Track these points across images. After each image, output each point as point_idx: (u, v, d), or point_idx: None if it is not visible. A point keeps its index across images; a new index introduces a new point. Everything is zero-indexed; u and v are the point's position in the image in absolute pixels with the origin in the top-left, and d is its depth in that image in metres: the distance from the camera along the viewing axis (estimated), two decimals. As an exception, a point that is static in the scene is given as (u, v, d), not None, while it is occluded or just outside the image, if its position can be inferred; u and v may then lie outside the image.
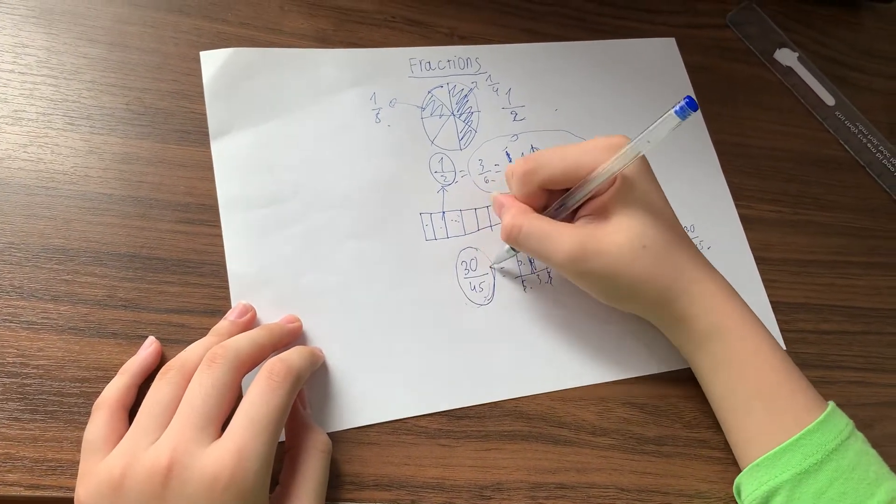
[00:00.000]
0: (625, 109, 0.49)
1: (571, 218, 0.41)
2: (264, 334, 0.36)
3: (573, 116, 0.48)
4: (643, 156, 0.38)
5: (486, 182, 0.45)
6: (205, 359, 0.33)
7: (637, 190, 0.39)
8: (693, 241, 0.40)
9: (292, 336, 0.39)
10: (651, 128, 0.35)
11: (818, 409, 0.37)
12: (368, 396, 0.39)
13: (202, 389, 0.31)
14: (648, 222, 0.38)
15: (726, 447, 0.42)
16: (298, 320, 0.39)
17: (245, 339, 0.34)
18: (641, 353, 0.43)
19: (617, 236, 0.38)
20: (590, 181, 0.38)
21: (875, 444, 0.38)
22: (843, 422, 0.37)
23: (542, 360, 0.42)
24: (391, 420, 0.39)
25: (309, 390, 0.39)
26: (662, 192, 0.40)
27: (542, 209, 0.41)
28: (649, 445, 0.41)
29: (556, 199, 0.40)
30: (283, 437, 0.36)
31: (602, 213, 0.39)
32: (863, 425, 0.44)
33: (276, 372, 0.33)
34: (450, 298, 0.42)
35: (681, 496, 0.40)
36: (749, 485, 0.38)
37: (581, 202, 0.39)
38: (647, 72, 0.51)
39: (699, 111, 0.50)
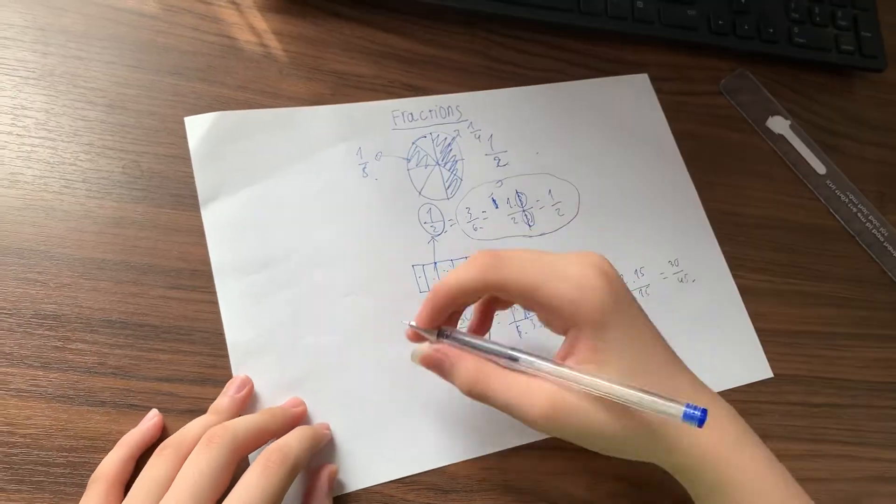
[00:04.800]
0: (603, 147, 0.51)
1: None
2: (266, 419, 0.36)
3: (555, 158, 0.49)
4: (621, 281, 0.34)
5: (475, 230, 0.46)
6: (203, 438, 0.33)
7: (614, 335, 0.32)
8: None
9: (295, 420, 0.38)
10: (651, 401, 0.30)
11: None
12: (371, 456, 0.39)
13: (197, 469, 0.31)
14: (637, 368, 0.32)
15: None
16: (303, 404, 0.39)
17: (245, 423, 0.34)
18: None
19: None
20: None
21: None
22: None
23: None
24: (390, 482, 0.39)
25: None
26: (645, 320, 0.34)
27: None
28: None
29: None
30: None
31: (575, 355, 0.33)
32: (849, 500, 0.44)
33: (272, 459, 0.32)
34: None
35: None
36: None
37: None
38: (623, 109, 0.52)
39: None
